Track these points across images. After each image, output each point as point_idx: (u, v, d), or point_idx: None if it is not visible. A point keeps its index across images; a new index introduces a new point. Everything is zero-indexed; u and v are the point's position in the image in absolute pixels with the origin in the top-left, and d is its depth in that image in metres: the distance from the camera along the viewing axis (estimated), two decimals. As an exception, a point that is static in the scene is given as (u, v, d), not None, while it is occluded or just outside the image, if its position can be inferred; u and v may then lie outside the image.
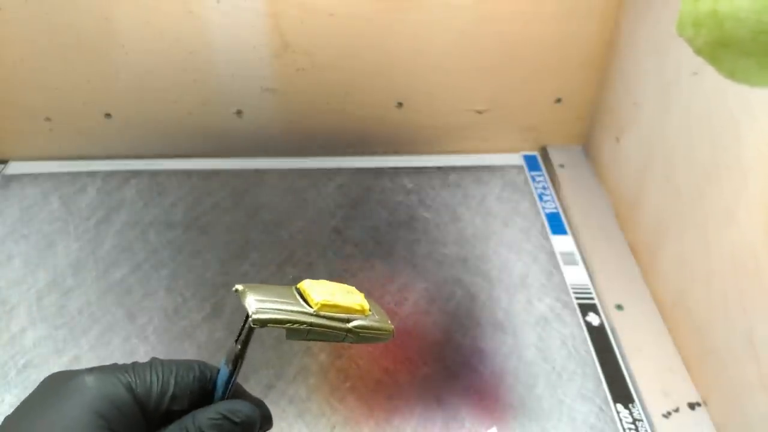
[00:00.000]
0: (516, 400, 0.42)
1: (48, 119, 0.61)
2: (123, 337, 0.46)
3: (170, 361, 0.28)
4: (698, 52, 0.21)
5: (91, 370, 0.26)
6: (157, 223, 0.56)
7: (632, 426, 0.41)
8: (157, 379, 0.27)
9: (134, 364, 0.27)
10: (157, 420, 0.26)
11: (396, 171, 0.63)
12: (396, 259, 0.53)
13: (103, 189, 0.60)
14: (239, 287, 0.28)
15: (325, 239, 0.55)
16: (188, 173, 0.62)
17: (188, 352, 0.45)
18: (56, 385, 0.26)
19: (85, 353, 0.45)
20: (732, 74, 0.20)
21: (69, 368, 0.43)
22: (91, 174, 0.61)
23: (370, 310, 0.30)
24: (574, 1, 0.54)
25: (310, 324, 0.28)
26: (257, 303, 0.27)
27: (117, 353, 0.45)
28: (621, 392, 0.43)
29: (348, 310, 0.29)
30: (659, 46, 0.48)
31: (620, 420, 0.41)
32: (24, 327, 0.47)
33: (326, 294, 0.29)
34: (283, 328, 0.27)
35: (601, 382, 0.43)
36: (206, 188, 0.60)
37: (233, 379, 0.28)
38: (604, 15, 0.55)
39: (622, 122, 0.55)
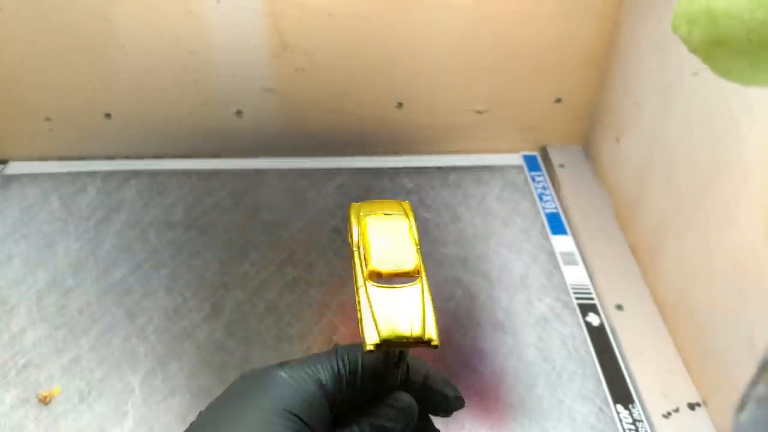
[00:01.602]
0: (516, 400, 0.42)
1: (48, 119, 0.61)
2: (123, 337, 0.46)
3: (353, 347, 0.28)
4: (693, 50, 0.21)
5: (281, 366, 0.27)
6: (157, 223, 0.56)
7: (632, 426, 0.40)
8: (344, 367, 0.27)
9: (320, 356, 0.28)
10: (344, 410, 0.27)
11: (396, 171, 0.62)
12: (396, 259, 0.53)
13: (103, 189, 0.60)
14: (373, 344, 0.24)
15: (325, 239, 0.55)
16: (188, 173, 0.62)
17: (188, 352, 0.45)
18: (249, 382, 0.26)
19: (85, 353, 0.45)
20: (726, 73, 0.20)
21: (69, 368, 0.43)
22: (91, 174, 0.61)
23: (407, 215, 0.28)
24: (573, 1, 0.54)
25: (429, 287, 0.26)
26: (417, 330, 0.24)
27: (117, 353, 0.45)
28: (621, 393, 0.43)
29: (413, 238, 0.27)
30: (660, 45, 0.48)
31: (620, 420, 0.41)
32: (24, 327, 0.47)
33: (406, 258, 0.26)
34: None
35: (601, 382, 0.43)
36: (206, 188, 0.60)
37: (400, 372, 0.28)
38: (604, 15, 0.55)
39: (622, 122, 0.55)
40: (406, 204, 0.29)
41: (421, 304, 0.25)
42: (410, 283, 0.26)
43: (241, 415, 0.25)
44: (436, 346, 0.24)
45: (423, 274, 0.26)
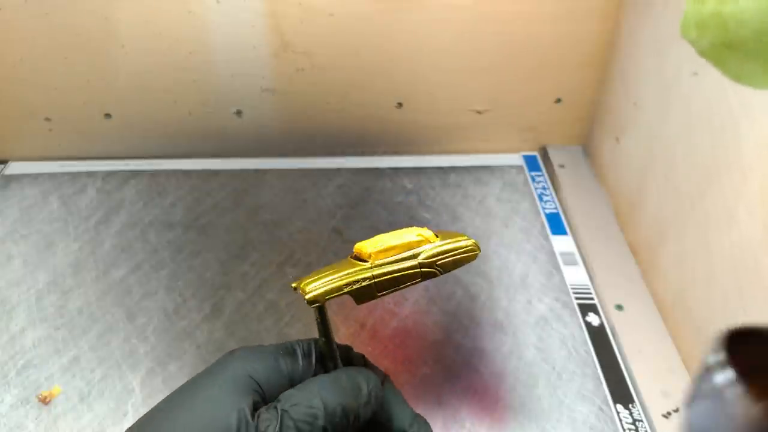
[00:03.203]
0: (516, 400, 0.42)
1: (48, 119, 0.61)
2: (123, 337, 0.46)
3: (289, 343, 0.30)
4: (702, 53, 0.21)
5: (233, 351, 0.29)
6: (157, 223, 0.56)
7: (632, 426, 0.40)
8: (299, 346, 0.29)
9: (269, 346, 0.30)
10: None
11: (396, 171, 0.62)
12: (396, 259, 0.53)
13: (102, 189, 0.60)
14: (294, 284, 0.28)
15: (325, 239, 0.55)
16: (188, 173, 0.62)
17: (188, 352, 0.45)
18: (213, 362, 0.29)
19: (84, 353, 0.45)
20: (737, 77, 0.20)
21: (68, 368, 0.44)
22: (91, 174, 0.61)
23: (437, 236, 0.29)
24: (574, 1, 0.54)
25: (373, 276, 0.27)
26: (308, 286, 0.27)
27: (117, 353, 0.45)
28: (621, 392, 0.43)
29: (408, 246, 0.28)
30: (659, 46, 0.48)
31: (620, 420, 0.41)
32: (24, 327, 0.47)
33: (379, 243, 0.28)
34: (345, 293, 0.27)
35: (601, 382, 0.43)
36: (206, 188, 0.60)
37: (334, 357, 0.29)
38: (604, 15, 0.55)
39: (622, 122, 0.55)
40: (471, 243, 0.30)
41: (341, 278, 0.27)
42: (359, 264, 0.28)
43: (204, 383, 0.27)
44: (309, 303, 0.27)
45: (374, 267, 0.27)
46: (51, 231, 0.55)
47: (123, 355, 0.45)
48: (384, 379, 0.30)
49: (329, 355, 0.28)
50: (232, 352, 0.28)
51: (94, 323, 0.47)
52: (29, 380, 0.43)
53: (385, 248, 0.28)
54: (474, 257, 0.30)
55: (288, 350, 0.29)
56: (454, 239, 0.30)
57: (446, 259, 0.29)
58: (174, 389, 0.27)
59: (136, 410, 0.41)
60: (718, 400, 0.16)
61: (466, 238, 0.30)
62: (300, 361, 0.28)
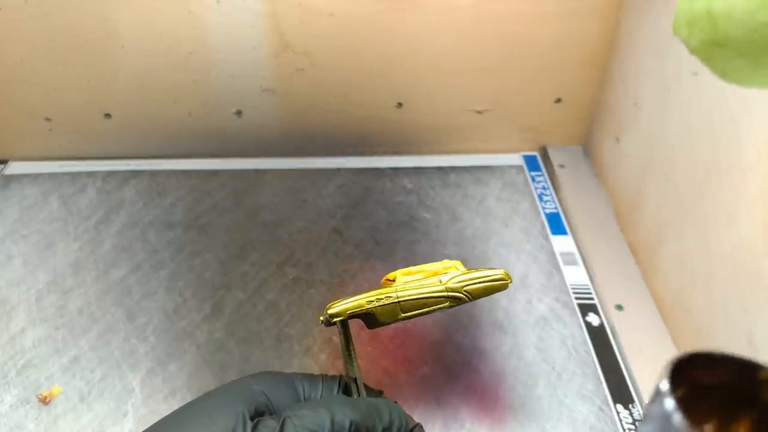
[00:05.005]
0: (516, 400, 0.42)
1: (48, 119, 0.61)
2: (123, 337, 0.46)
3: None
4: (693, 51, 0.21)
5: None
6: (157, 223, 0.56)
7: (632, 426, 0.40)
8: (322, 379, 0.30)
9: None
10: None
11: (396, 171, 0.62)
12: (396, 260, 0.53)
13: (102, 189, 0.60)
14: (322, 318, 0.29)
15: (325, 239, 0.55)
16: (188, 173, 0.62)
17: (188, 352, 0.45)
18: None
19: (84, 353, 0.45)
20: (724, 74, 0.20)
21: (68, 368, 0.44)
22: (91, 174, 0.61)
23: (464, 266, 0.30)
24: (574, 1, 0.54)
25: (398, 297, 0.28)
26: (332, 306, 0.29)
27: (117, 353, 0.45)
28: (621, 392, 0.43)
29: (434, 272, 0.29)
30: (659, 46, 0.48)
31: (620, 420, 0.41)
32: (24, 327, 0.47)
33: (410, 269, 0.30)
34: (368, 309, 0.28)
35: (601, 382, 0.43)
36: (206, 188, 0.60)
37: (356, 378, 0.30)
38: (604, 15, 0.55)
39: (622, 122, 0.55)
40: (502, 271, 0.31)
41: (365, 297, 0.29)
42: (386, 284, 0.30)
43: (212, 393, 0.28)
44: (330, 317, 0.29)
45: (399, 288, 0.29)
46: (51, 231, 0.55)
47: (123, 355, 0.45)
48: (416, 425, 0.29)
49: (354, 384, 0.29)
50: (250, 375, 0.29)
51: (94, 323, 0.47)
52: (29, 380, 0.43)
53: (413, 272, 0.29)
54: (505, 286, 0.30)
55: (309, 377, 0.29)
56: (484, 268, 0.30)
57: (475, 285, 0.29)
58: (174, 389, 0.28)
59: (136, 410, 0.41)
60: (667, 424, 0.17)
61: (496, 269, 0.31)
62: (321, 389, 0.28)
